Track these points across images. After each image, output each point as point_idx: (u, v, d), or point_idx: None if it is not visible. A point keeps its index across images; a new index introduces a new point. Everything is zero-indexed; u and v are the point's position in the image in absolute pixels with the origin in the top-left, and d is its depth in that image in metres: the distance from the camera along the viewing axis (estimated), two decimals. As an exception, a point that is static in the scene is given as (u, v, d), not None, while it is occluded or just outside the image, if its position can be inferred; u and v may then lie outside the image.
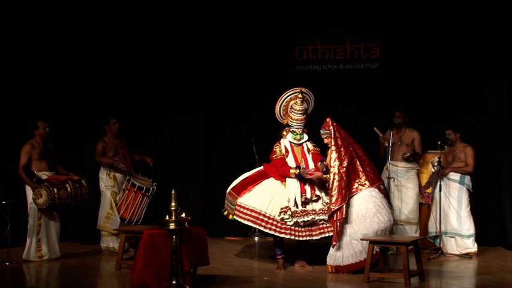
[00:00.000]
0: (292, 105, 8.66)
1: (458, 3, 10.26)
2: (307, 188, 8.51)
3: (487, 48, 10.17)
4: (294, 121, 8.67)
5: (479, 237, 9.53)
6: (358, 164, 8.43)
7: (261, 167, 8.95)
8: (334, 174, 8.35)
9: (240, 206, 8.59)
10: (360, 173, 8.40)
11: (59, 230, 9.37)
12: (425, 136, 9.98)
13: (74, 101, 10.81)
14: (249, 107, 11.04)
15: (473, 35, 10.23)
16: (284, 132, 8.78)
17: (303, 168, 8.50)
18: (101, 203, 9.78)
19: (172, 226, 7.06)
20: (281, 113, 8.79)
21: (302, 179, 8.49)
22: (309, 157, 8.66)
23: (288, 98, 8.71)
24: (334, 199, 8.27)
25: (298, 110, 8.63)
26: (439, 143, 9.65)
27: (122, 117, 10.45)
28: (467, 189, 9.50)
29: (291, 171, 8.51)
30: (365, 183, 8.36)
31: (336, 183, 8.31)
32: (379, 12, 10.58)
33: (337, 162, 8.37)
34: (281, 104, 8.74)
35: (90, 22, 10.80)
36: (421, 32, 10.44)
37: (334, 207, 8.25)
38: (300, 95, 8.63)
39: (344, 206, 8.24)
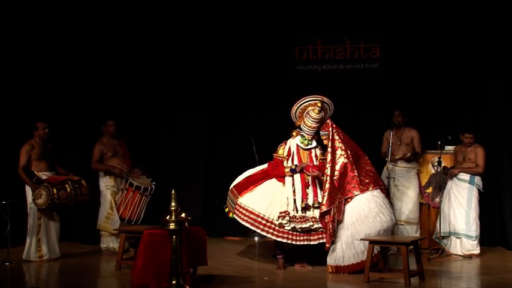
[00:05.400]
0: (309, 111, 8.61)
1: (457, 4, 10.25)
2: (310, 193, 8.51)
3: (487, 48, 10.17)
4: (307, 127, 8.64)
5: (479, 237, 9.52)
6: (354, 168, 8.40)
7: (265, 165, 8.92)
8: (326, 176, 8.37)
9: (240, 206, 8.61)
10: (355, 177, 8.38)
11: (59, 230, 9.37)
12: (425, 136, 9.98)
13: (74, 101, 10.81)
14: (249, 107, 11.03)
15: (473, 34, 10.22)
16: (294, 133, 8.77)
17: (302, 165, 8.52)
18: (101, 203, 9.78)
19: (172, 226, 7.06)
20: (296, 115, 8.75)
21: (304, 181, 8.51)
22: (316, 163, 8.64)
23: (307, 103, 8.66)
24: (324, 201, 8.30)
25: (314, 118, 8.58)
26: (439, 143, 9.66)
27: (122, 118, 10.47)
28: (478, 190, 9.49)
29: (286, 169, 8.53)
30: (358, 189, 8.35)
31: (327, 185, 8.33)
32: (379, 13, 10.57)
33: (330, 165, 8.38)
34: (299, 106, 8.69)
35: (90, 22, 10.80)
36: (420, 32, 10.44)
37: (323, 209, 8.28)
38: (319, 104, 8.59)
39: (333, 209, 8.26)
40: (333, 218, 8.27)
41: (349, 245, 8.27)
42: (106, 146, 9.77)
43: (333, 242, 8.31)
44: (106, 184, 9.74)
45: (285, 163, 8.65)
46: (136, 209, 9.58)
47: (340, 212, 8.28)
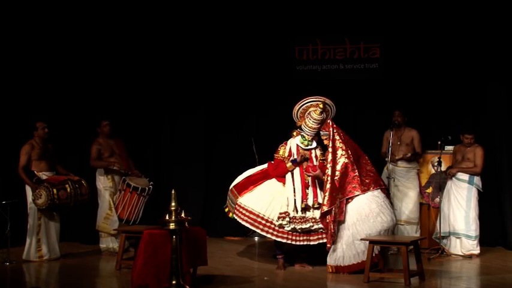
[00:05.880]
0: (310, 112, 8.62)
1: (457, 4, 10.25)
2: (310, 193, 8.51)
3: (487, 48, 10.17)
4: (307, 127, 8.63)
5: (479, 237, 9.51)
6: (355, 168, 8.40)
7: (265, 165, 8.92)
8: (327, 176, 8.37)
9: (240, 206, 8.62)
10: (356, 177, 8.38)
11: (59, 230, 9.38)
12: (425, 136, 9.98)
13: (74, 101, 10.81)
14: (249, 106, 11.03)
15: (473, 34, 10.22)
16: (294, 133, 8.77)
17: (301, 156, 8.54)
18: (99, 204, 9.78)
19: (172, 226, 7.06)
20: (298, 115, 8.76)
21: (304, 182, 8.52)
22: (316, 164, 8.65)
23: (309, 103, 8.67)
24: (325, 201, 8.30)
25: (315, 119, 8.58)
26: (439, 143, 9.66)
27: (123, 118, 10.49)
28: (477, 189, 9.49)
29: (288, 165, 8.53)
30: (359, 189, 8.35)
31: (328, 185, 8.33)
32: (379, 13, 10.57)
33: (330, 165, 8.38)
34: (300, 106, 8.70)
35: (90, 22, 10.80)
36: (420, 32, 10.44)
37: (324, 209, 8.28)
38: (321, 105, 8.59)
39: (334, 209, 8.25)
40: (334, 218, 8.27)
41: (349, 245, 8.27)
42: (103, 146, 9.76)
43: (334, 242, 8.31)
44: (104, 185, 9.73)
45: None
46: (134, 210, 9.59)
47: (342, 212, 8.28)
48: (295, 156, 8.60)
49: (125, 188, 9.60)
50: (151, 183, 9.82)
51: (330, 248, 8.30)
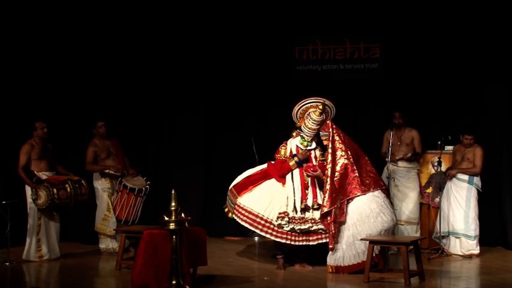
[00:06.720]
0: (310, 113, 8.62)
1: (457, 4, 10.25)
2: (309, 194, 8.51)
3: (487, 48, 10.17)
4: (307, 128, 8.64)
5: (479, 237, 9.52)
6: (355, 168, 8.40)
7: (265, 165, 8.92)
8: (327, 177, 8.37)
9: (239, 206, 8.62)
10: (356, 178, 8.38)
11: (59, 230, 9.38)
12: (425, 136, 9.98)
13: (74, 101, 10.81)
14: (249, 106, 11.03)
15: (473, 34, 10.22)
16: (294, 134, 8.77)
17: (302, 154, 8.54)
18: (97, 205, 9.77)
19: (172, 226, 7.06)
20: (297, 115, 8.76)
21: (304, 183, 8.52)
22: (316, 164, 8.65)
23: (309, 104, 8.68)
24: (325, 202, 8.30)
25: (315, 120, 8.59)
26: (439, 143, 9.66)
27: (122, 118, 10.47)
28: (477, 189, 9.48)
29: (291, 163, 8.53)
30: (359, 190, 8.34)
31: (327, 186, 8.33)
32: (379, 13, 10.57)
33: (330, 166, 8.38)
34: (300, 107, 8.70)
35: (90, 21, 10.80)
36: (421, 32, 10.44)
37: (325, 210, 8.28)
38: (320, 106, 8.60)
39: (335, 210, 8.25)
40: (334, 218, 8.26)
41: (349, 245, 8.27)
42: (99, 147, 9.74)
43: (334, 242, 8.31)
44: (102, 186, 9.72)
45: (287, 163, 8.68)
46: (132, 210, 9.59)
47: (343, 213, 8.28)
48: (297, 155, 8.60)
49: (122, 189, 9.59)
50: (148, 182, 9.81)
51: (332, 249, 8.29)
